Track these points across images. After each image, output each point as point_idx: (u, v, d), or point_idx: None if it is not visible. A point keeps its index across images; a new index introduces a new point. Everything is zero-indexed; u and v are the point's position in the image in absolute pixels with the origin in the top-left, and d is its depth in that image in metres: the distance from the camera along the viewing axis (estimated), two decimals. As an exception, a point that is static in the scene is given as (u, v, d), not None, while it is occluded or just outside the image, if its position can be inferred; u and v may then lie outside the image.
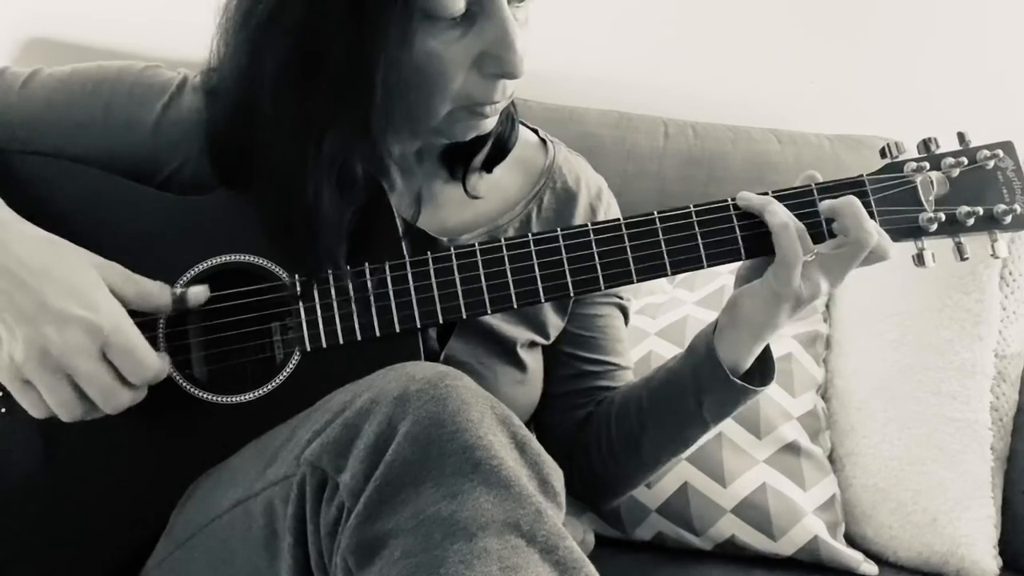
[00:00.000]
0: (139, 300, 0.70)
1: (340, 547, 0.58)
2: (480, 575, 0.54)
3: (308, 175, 0.72)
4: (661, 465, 0.91)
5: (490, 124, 0.79)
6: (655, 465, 0.91)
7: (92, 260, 0.70)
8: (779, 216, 0.75)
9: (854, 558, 1.06)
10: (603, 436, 0.90)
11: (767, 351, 0.83)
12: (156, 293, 0.71)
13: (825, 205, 0.77)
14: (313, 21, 0.69)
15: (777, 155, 1.38)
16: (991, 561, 1.04)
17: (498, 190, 0.89)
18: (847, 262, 0.75)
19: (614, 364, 0.95)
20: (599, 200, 0.93)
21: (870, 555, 1.09)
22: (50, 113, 0.79)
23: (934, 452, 1.07)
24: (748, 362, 0.81)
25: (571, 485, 0.99)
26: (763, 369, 0.83)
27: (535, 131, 0.94)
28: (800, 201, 0.78)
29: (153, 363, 0.68)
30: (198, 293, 0.73)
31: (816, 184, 0.79)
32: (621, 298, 0.97)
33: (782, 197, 0.78)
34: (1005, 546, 1.06)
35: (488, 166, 0.88)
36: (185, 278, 0.74)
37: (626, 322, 0.99)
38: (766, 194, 0.78)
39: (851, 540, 1.12)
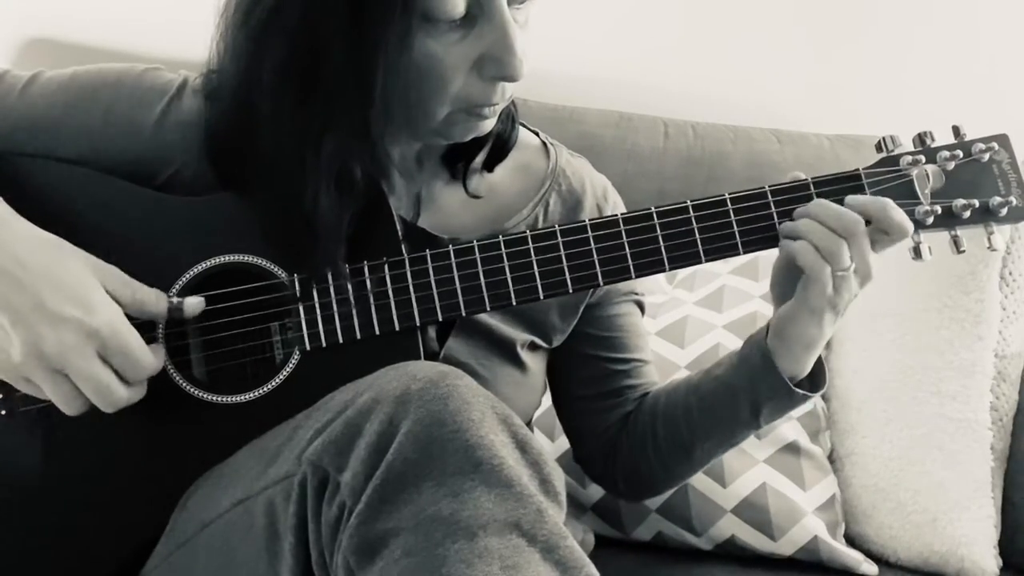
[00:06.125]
0: (134, 306, 0.70)
1: (341, 546, 0.58)
2: (481, 574, 0.54)
3: (307, 178, 0.72)
4: (708, 464, 0.94)
5: (489, 125, 0.79)
6: (704, 465, 0.94)
7: (90, 262, 0.70)
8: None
9: (854, 558, 1.06)
10: (649, 440, 0.92)
11: (818, 358, 0.84)
12: (152, 301, 0.71)
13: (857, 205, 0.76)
14: (312, 22, 0.69)
15: (777, 155, 1.38)
16: (991, 561, 1.04)
17: (502, 194, 0.88)
18: (874, 257, 0.76)
19: (639, 360, 0.96)
20: (605, 200, 0.93)
21: (870, 555, 1.09)
22: (51, 116, 0.78)
23: (934, 452, 1.07)
24: (805, 371, 0.83)
25: (613, 484, 0.99)
26: (814, 373, 0.84)
27: (536, 133, 0.94)
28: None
29: (150, 363, 0.69)
30: (194, 304, 0.73)
31: (813, 179, 0.79)
32: (638, 294, 0.97)
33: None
34: (1005, 546, 1.06)
35: (489, 165, 0.87)
36: (184, 279, 0.74)
37: (642, 315, 0.99)
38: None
39: (851, 540, 1.12)
